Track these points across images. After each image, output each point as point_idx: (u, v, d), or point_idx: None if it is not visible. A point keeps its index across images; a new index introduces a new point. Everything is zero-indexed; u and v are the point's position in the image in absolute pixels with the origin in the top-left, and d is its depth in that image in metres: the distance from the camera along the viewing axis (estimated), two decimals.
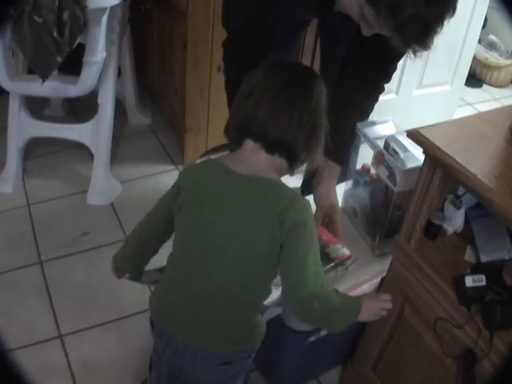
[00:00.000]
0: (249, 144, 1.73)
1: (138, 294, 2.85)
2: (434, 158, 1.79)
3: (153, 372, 2.09)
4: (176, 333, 1.83)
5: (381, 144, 2.22)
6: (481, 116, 2.00)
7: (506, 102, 4.91)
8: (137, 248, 2.04)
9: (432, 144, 1.77)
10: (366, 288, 2.24)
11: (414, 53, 1.77)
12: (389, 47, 1.79)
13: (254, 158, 1.73)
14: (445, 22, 1.70)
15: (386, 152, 2.17)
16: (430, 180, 1.87)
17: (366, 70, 2.28)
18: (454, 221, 2.03)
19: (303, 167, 1.89)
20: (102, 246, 3.17)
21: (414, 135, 1.82)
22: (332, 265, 2.26)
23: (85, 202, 3.47)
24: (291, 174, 1.82)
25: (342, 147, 2.35)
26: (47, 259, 3.10)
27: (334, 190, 2.40)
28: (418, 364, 2.10)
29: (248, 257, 1.72)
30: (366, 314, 1.90)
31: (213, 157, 1.88)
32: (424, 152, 1.84)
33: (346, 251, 2.31)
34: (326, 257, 2.26)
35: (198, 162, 1.84)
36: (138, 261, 2.05)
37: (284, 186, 1.72)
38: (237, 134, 1.77)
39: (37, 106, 3.81)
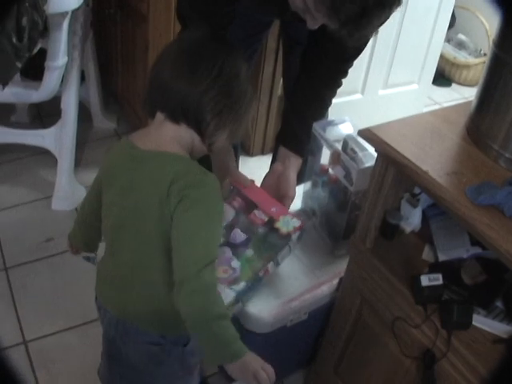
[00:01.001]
0: (157, 117, 1.69)
1: None
2: (386, 156, 1.78)
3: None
4: (107, 306, 1.85)
5: (339, 144, 2.21)
6: (435, 113, 1.99)
7: None
8: (82, 226, 2.02)
9: (383, 142, 1.77)
10: (325, 289, 2.23)
11: (352, 36, 1.70)
12: (344, 47, 1.84)
13: (158, 132, 1.68)
14: (387, 8, 1.64)
15: (344, 152, 2.16)
16: (382, 178, 1.86)
17: (323, 68, 2.29)
18: (411, 220, 2.02)
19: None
20: (66, 251, 3.10)
21: (365, 133, 1.82)
22: (284, 250, 2.08)
23: (49, 208, 3.44)
24: (208, 149, 1.75)
25: (304, 140, 2.36)
26: (12, 265, 3.08)
27: (294, 182, 2.35)
28: (379, 365, 2.09)
29: (145, 237, 1.69)
30: (244, 365, 1.66)
31: None
32: (376, 150, 1.83)
33: (296, 222, 2.10)
34: (276, 233, 2.09)
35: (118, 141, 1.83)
36: (86, 239, 2.04)
37: (184, 160, 1.68)
38: (148, 107, 1.72)
39: (2, 113, 3.79)
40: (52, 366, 2.64)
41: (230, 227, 2.12)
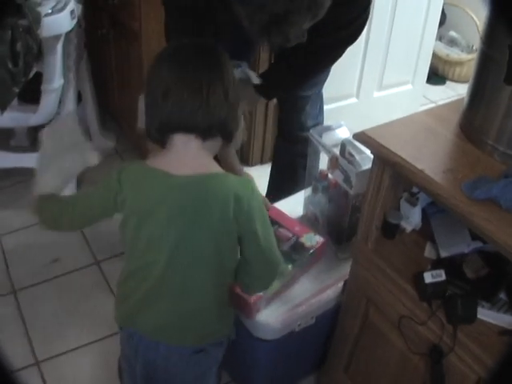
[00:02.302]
0: (179, 139, 1.69)
1: (110, 316, 2.85)
2: (382, 158, 1.81)
3: (124, 378, 2.09)
4: (146, 332, 1.87)
5: (337, 149, 2.24)
6: (429, 111, 2.02)
7: None
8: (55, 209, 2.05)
9: (378, 144, 1.79)
10: (331, 293, 2.25)
11: (273, 44, 1.87)
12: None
13: (186, 154, 1.70)
14: (305, 19, 1.76)
15: (342, 156, 2.18)
16: (380, 179, 1.88)
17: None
18: (412, 218, 2.04)
19: None
20: (73, 271, 3.17)
21: (360, 136, 1.84)
22: (309, 253, 2.29)
23: None
24: (227, 147, 1.88)
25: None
26: (20, 288, 3.09)
27: None
28: (387, 364, 2.11)
29: (199, 259, 1.74)
30: None
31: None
32: (372, 152, 1.86)
33: (319, 238, 2.34)
34: (301, 247, 2.30)
35: (130, 167, 1.80)
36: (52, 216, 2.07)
37: (227, 176, 1.73)
38: (161, 134, 1.71)
39: (1, 138, 3.80)
40: None
41: None
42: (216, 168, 1.75)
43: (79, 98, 3.69)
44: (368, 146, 1.84)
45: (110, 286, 3.09)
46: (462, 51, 5.18)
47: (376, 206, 1.93)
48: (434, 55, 4.43)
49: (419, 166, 1.69)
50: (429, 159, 1.75)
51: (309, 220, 2.54)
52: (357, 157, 2.14)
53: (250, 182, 1.74)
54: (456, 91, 5.09)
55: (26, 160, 3.48)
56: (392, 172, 1.84)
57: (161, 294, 1.79)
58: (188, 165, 1.69)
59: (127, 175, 1.76)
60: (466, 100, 1.91)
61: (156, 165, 1.72)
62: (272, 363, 2.32)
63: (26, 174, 3.62)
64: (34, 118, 3.26)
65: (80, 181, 3.57)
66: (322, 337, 2.41)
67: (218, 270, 1.77)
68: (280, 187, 2.95)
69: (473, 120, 1.85)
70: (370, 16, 2.29)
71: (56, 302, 3.02)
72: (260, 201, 1.74)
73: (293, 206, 2.60)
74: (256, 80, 2.38)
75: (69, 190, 3.40)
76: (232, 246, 1.75)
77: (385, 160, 1.80)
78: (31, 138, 4.08)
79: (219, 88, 1.64)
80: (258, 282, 1.90)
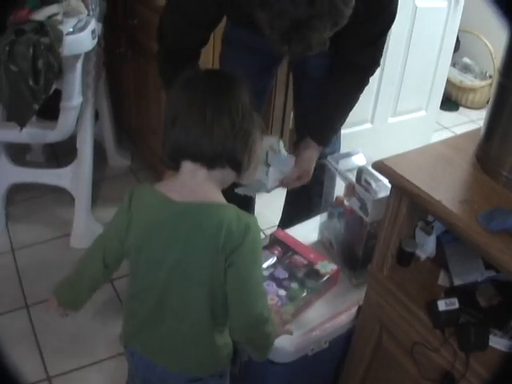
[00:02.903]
0: (187, 166, 1.70)
1: None
2: (399, 187, 1.83)
3: None
4: (145, 353, 1.89)
5: (353, 176, 2.26)
6: (446, 142, 2.04)
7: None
8: (78, 279, 2.08)
9: (396, 173, 1.81)
10: (345, 318, 2.26)
11: (294, 52, 1.87)
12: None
13: (192, 181, 1.70)
14: (326, 26, 1.77)
15: (358, 183, 2.20)
16: (397, 209, 1.91)
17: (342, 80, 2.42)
18: (426, 247, 2.06)
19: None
20: None
21: (379, 165, 1.86)
22: (324, 279, 2.32)
23: (68, 246, 3.49)
24: (240, 180, 1.82)
25: (327, 131, 2.52)
26: (33, 303, 3.12)
27: (314, 161, 2.53)
28: None
29: (194, 287, 1.74)
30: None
31: None
32: (389, 181, 1.88)
33: (333, 266, 2.37)
34: (315, 273, 2.33)
35: (139, 188, 1.83)
36: (76, 296, 2.09)
37: (226, 207, 1.71)
38: (173, 161, 1.73)
39: (18, 152, 3.84)
40: None
41: (274, 267, 2.35)
42: (217, 197, 1.74)
43: (96, 116, 3.72)
44: (386, 175, 1.86)
45: (122, 304, 3.11)
46: (476, 78, 5.21)
47: (392, 234, 1.95)
48: (448, 81, 4.46)
49: (436, 197, 1.71)
50: (445, 189, 1.77)
51: (323, 245, 2.56)
52: (373, 184, 2.15)
53: (248, 219, 1.70)
54: (469, 117, 5.12)
55: (42, 176, 3.53)
56: (409, 201, 1.86)
57: (160, 316, 1.81)
58: (190, 192, 1.71)
59: (136, 196, 1.80)
60: (482, 131, 1.92)
61: (162, 189, 1.75)
62: None
63: (41, 189, 3.70)
64: (51, 134, 3.29)
65: (94, 198, 3.61)
66: (334, 361, 2.42)
67: (211, 300, 1.75)
68: (294, 214, 2.96)
69: (488, 151, 1.87)
70: (387, 42, 2.33)
71: (69, 318, 2.97)
72: (256, 242, 1.71)
73: (308, 231, 2.63)
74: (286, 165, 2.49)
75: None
76: (222, 276, 1.71)
77: (402, 189, 1.83)
78: (47, 154, 4.14)
79: (225, 118, 1.64)
80: (234, 324, 1.83)
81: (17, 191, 3.78)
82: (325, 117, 2.52)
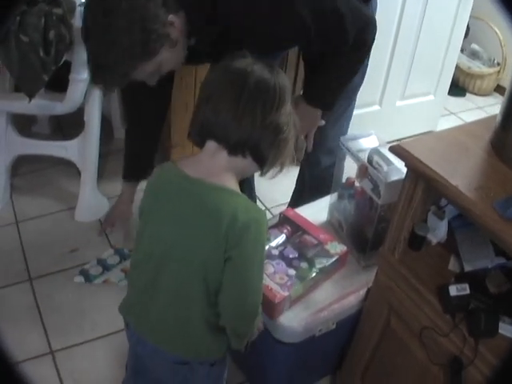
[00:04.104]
0: (210, 145, 1.69)
1: None
2: (416, 171, 1.83)
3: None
4: (137, 329, 1.89)
5: (364, 157, 2.25)
6: (461, 128, 2.04)
7: (490, 111, 4.97)
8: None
9: (413, 157, 1.81)
10: (353, 299, 2.27)
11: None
12: None
13: (212, 161, 1.70)
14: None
15: (370, 165, 2.20)
16: (412, 192, 1.90)
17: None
18: (438, 231, 2.06)
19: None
20: (92, 261, 3.18)
21: (396, 149, 1.86)
22: (333, 260, 2.32)
23: (73, 219, 3.48)
24: (263, 174, 1.77)
25: (315, 90, 2.50)
26: (37, 276, 3.11)
27: (305, 116, 2.47)
28: (406, 373, 2.13)
29: (190, 268, 1.72)
30: None
31: None
32: (406, 165, 1.87)
33: (343, 247, 2.37)
34: (325, 253, 2.33)
35: (165, 164, 1.83)
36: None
37: (236, 196, 1.70)
38: (199, 138, 1.73)
39: (24, 124, 3.82)
40: (79, 376, 2.67)
41: (283, 245, 2.34)
42: (231, 183, 1.72)
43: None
44: (403, 159, 1.85)
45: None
46: (484, 64, 5.19)
47: (406, 217, 1.95)
48: (456, 67, 4.44)
49: (453, 182, 1.71)
50: (462, 175, 1.77)
51: (332, 226, 2.57)
52: (384, 167, 2.15)
53: (256, 211, 1.70)
54: (476, 104, 5.11)
55: (49, 148, 3.52)
56: (424, 186, 1.86)
57: (154, 293, 1.81)
58: (205, 170, 1.70)
59: (158, 170, 1.83)
60: (498, 118, 1.92)
61: (180, 164, 1.76)
62: (289, 366, 2.33)
63: (47, 161, 3.68)
64: (60, 106, 3.26)
65: (100, 171, 3.60)
66: (340, 342, 2.44)
67: (205, 285, 1.73)
68: (305, 194, 2.98)
69: (504, 139, 1.87)
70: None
71: (73, 292, 3.03)
72: (258, 239, 1.69)
73: (317, 211, 2.63)
74: None
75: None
76: (218, 264, 1.70)
77: (419, 173, 1.82)
78: (53, 126, 4.11)
79: (257, 111, 1.63)
80: (223, 311, 1.79)
81: (22, 163, 3.77)
82: (313, 77, 2.51)
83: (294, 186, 3.18)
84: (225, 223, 1.63)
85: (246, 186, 3.03)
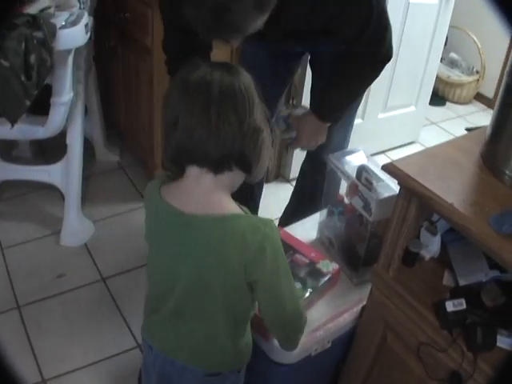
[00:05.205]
0: (193, 171, 1.63)
1: (118, 334, 2.87)
2: (410, 189, 1.83)
3: None
4: (164, 351, 1.87)
5: (353, 174, 2.25)
6: (452, 143, 2.03)
7: (471, 119, 5.01)
8: None
9: (406, 175, 1.80)
10: (347, 317, 2.25)
11: (227, 38, 1.92)
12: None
13: (198, 189, 1.63)
14: (247, 6, 1.78)
15: (359, 182, 2.19)
16: (406, 210, 1.90)
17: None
18: (431, 247, 2.06)
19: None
20: (79, 287, 3.16)
21: (389, 168, 1.85)
22: (326, 279, 2.29)
23: (58, 244, 3.45)
24: (249, 179, 1.72)
25: (325, 105, 2.53)
26: (24, 304, 3.08)
27: (313, 130, 2.58)
28: None
29: (214, 299, 1.71)
30: None
31: None
32: (399, 183, 1.87)
33: (335, 265, 2.34)
34: (317, 272, 2.30)
35: (150, 190, 1.77)
36: None
37: (233, 223, 1.63)
38: (175, 165, 1.66)
39: (4, 148, 3.78)
40: None
41: None
42: (228, 206, 1.66)
43: (85, 111, 3.66)
44: (396, 177, 1.85)
45: (116, 303, 3.09)
46: (463, 73, 5.23)
47: (400, 235, 1.95)
48: (435, 76, 4.47)
49: (448, 200, 1.71)
50: (456, 192, 1.77)
51: (323, 244, 2.55)
52: (374, 184, 2.14)
53: (264, 226, 1.62)
54: (456, 112, 5.15)
55: (32, 173, 3.50)
56: (418, 203, 1.85)
57: (180, 318, 1.79)
58: (199, 202, 1.64)
59: (146, 196, 1.79)
60: (487, 132, 1.92)
61: (167, 196, 1.69)
62: None
63: (30, 186, 3.65)
64: (42, 130, 3.23)
65: (84, 194, 3.58)
66: (336, 359, 2.42)
67: (228, 309, 1.73)
68: (297, 212, 2.95)
69: (495, 152, 1.88)
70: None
71: (62, 318, 3.01)
72: (276, 251, 1.65)
73: (306, 229, 2.62)
74: None
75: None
76: (239, 290, 1.70)
77: (413, 192, 1.82)
78: (34, 150, 4.08)
79: (232, 117, 1.54)
80: (276, 334, 1.88)
81: (4, 188, 3.73)
82: (325, 91, 2.51)
83: (277, 203, 3.18)
84: (237, 254, 1.60)
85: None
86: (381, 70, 2.41)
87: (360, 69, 2.40)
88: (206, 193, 1.64)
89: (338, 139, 2.78)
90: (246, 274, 1.63)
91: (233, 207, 1.68)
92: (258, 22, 1.85)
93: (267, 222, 1.65)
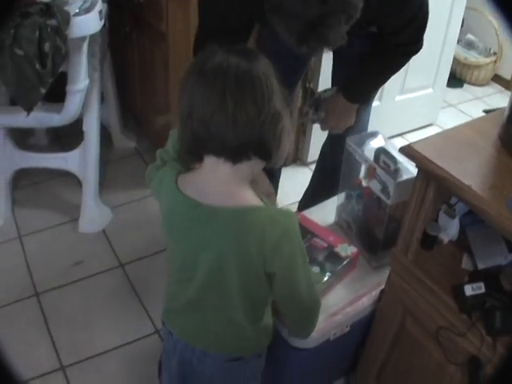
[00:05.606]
0: (210, 161, 1.60)
1: (137, 320, 2.87)
2: (428, 172, 1.81)
3: (163, 374, 2.11)
4: (183, 337, 1.89)
5: (371, 157, 2.23)
6: (469, 125, 2.01)
7: (488, 100, 4.97)
8: None
9: (424, 157, 1.78)
10: (366, 301, 2.25)
11: (313, 51, 1.89)
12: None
13: (215, 179, 1.61)
14: (340, 21, 1.76)
15: (377, 165, 2.18)
16: (424, 193, 1.88)
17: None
18: (449, 230, 2.04)
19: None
20: (97, 273, 3.16)
21: (407, 150, 1.83)
22: (344, 263, 2.29)
23: (76, 231, 3.46)
24: (271, 167, 1.70)
25: (356, 88, 2.58)
26: (43, 291, 3.09)
27: (343, 112, 2.64)
28: (423, 373, 2.12)
29: (233, 288, 1.70)
30: None
31: None
32: (417, 166, 1.85)
33: (353, 248, 2.34)
34: (336, 256, 2.31)
35: (166, 185, 1.73)
36: None
37: (253, 215, 1.60)
38: (191, 156, 1.64)
39: (21, 136, 3.77)
40: None
41: None
42: (247, 197, 1.63)
43: (101, 98, 3.65)
44: (414, 160, 1.83)
45: (134, 289, 3.10)
46: (480, 54, 5.17)
47: (418, 218, 1.93)
48: (452, 58, 4.43)
49: (466, 182, 1.69)
50: (474, 174, 1.75)
51: (341, 227, 2.54)
52: (392, 166, 2.13)
53: (285, 219, 1.61)
54: (474, 94, 5.10)
55: (49, 160, 3.50)
56: (436, 186, 1.84)
57: (200, 306, 1.80)
58: (217, 193, 1.61)
59: (163, 189, 1.76)
60: (505, 113, 1.89)
61: (185, 186, 1.67)
62: (305, 371, 2.31)
63: (47, 173, 3.66)
64: (58, 118, 3.23)
65: (102, 181, 3.58)
66: (354, 344, 2.42)
67: (245, 295, 1.72)
68: (318, 196, 2.93)
69: None
70: None
71: (80, 305, 3.02)
72: (295, 245, 1.62)
73: (324, 213, 2.61)
74: None
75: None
76: (258, 280, 1.69)
77: (431, 174, 1.80)
78: (50, 137, 4.08)
79: (249, 105, 1.49)
80: (292, 324, 1.90)
81: (22, 176, 3.73)
82: (357, 76, 2.53)
83: (295, 188, 3.17)
84: (257, 246, 1.58)
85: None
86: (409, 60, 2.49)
87: (394, 59, 2.46)
88: (224, 183, 1.61)
89: (361, 122, 2.78)
90: (265, 265, 1.62)
91: (252, 198, 1.65)
92: (343, 35, 1.84)
93: (288, 215, 1.63)
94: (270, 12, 1.77)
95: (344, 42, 1.84)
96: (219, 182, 1.61)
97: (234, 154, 1.55)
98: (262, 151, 1.57)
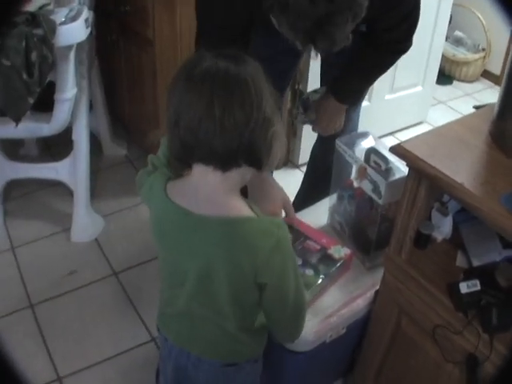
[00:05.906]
0: (199, 169, 1.55)
1: (133, 328, 2.86)
2: (419, 171, 1.80)
3: (160, 379, 2.10)
4: (178, 344, 1.88)
5: (361, 157, 2.23)
6: (460, 121, 2.01)
7: (478, 96, 4.98)
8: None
9: (415, 156, 1.78)
10: (361, 302, 2.24)
11: (319, 49, 1.87)
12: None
13: (205, 188, 1.57)
14: (347, 19, 1.75)
15: (368, 165, 2.17)
16: (415, 192, 1.88)
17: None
18: (443, 228, 2.04)
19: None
20: (91, 282, 3.15)
21: (397, 149, 1.83)
22: (338, 265, 2.28)
23: (69, 240, 3.45)
24: (259, 174, 1.67)
25: (345, 88, 2.56)
26: (37, 302, 3.08)
27: (333, 113, 2.63)
28: (420, 372, 2.11)
29: (222, 297, 1.68)
30: None
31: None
32: (408, 165, 1.85)
33: (346, 250, 2.33)
34: (329, 258, 2.29)
35: (155, 192, 1.70)
36: None
37: (243, 226, 1.58)
38: (181, 163, 1.60)
39: (10, 147, 3.74)
40: None
41: None
42: (237, 206, 1.60)
43: (90, 106, 3.64)
44: (405, 159, 1.82)
45: (129, 297, 3.09)
46: (469, 51, 5.18)
47: (410, 217, 1.93)
48: (441, 55, 4.44)
49: (458, 180, 1.69)
50: (465, 171, 1.75)
51: (334, 229, 2.53)
52: (383, 166, 2.12)
53: (277, 230, 1.57)
54: (464, 91, 5.12)
55: (39, 170, 3.49)
56: (428, 184, 1.83)
57: (193, 313, 1.78)
58: (208, 202, 1.58)
59: (153, 196, 1.72)
60: (495, 109, 1.89)
61: (174, 194, 1.64)
62: (302, 374, 2.30)
63: (38, 183, 3.65)
64: (47, 128, 3.21)
65: (92, 189, 3.57)
66: (351, 345, 2.42)
67: (237, 307, 1.71)
68: (312, 193, 2.95)
69: (504, 129, 1.85)
70: None
71: (75, 315, 3.01)
72: (286, 256, 1.60)
73: (317, 215, 2.60)
74: None
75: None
76: (248, 289, 1.66)
77: (422, 173, 1.80)
78: (40, 147, 4.07)
79: (238, 111, 1.44)
80: (279, 329, 1.87)
81: (12, 186, 3.71)
82: (346, 76, 2.52)
83: (286, 190, 3.15)
84: (248, 257, 1.56)
85: None
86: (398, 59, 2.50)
87: (384, 57, 2.46)
88: (214, 192, 1.58)
89: (351, 122, 2.79)
90: (256, 276, 1.60)
91: (243, 208, 1.62)
92: (347, 35, 1.84)
93: (276, 222, 1.61)
94: (276, 11, 1.76)
95: (348, 42, 1.84)
96: (209, 190, 1.58)
97: (223, 161, 1.51)
98: (252, 158, 1.52)
